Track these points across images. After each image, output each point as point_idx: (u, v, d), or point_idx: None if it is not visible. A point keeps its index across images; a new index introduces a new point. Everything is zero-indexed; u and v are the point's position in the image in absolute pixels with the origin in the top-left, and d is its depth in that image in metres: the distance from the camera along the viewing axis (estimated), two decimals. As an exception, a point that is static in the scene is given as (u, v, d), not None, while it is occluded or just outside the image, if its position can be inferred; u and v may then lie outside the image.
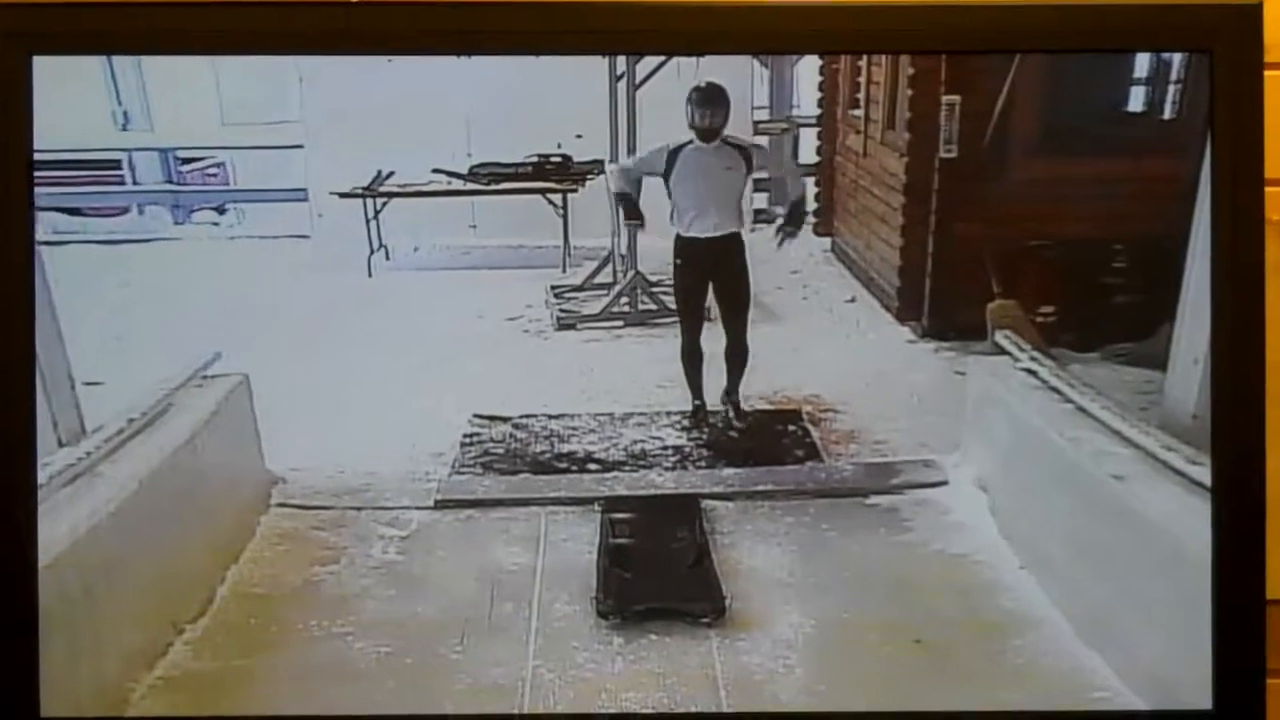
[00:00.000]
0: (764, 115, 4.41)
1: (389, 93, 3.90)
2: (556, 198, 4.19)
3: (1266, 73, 2.12)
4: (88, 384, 2.89)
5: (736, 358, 3.85)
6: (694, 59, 3.30)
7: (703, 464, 3.50)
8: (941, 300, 3.79)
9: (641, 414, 3.66)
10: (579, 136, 4.15)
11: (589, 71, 3.75)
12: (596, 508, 3.28)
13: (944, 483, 3.40)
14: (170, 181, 4.29)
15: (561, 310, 4.09)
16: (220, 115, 4.14)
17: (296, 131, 4.23)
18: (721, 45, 2.29)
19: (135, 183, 4.24)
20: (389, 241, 4.31)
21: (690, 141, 3.72)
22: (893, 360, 3.82)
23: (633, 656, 2.78)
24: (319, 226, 4.28)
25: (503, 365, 3.87)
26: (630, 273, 4.00)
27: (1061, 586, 2.89)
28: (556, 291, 4.19)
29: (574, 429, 3.64)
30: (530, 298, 4.17)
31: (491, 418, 3.70)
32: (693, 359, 3.85)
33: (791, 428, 3.68)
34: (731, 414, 3.74)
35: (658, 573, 3.02)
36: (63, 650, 2.31)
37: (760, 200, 4.39)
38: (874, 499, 3.38)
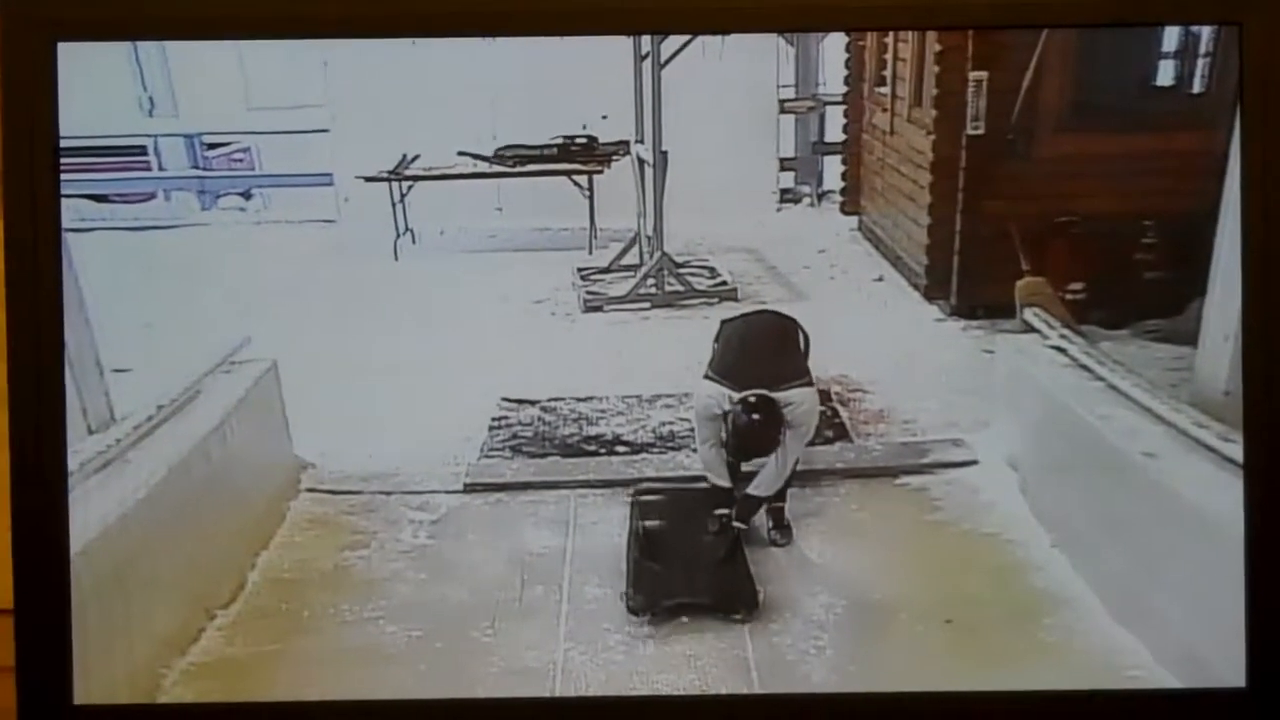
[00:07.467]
0: (790, 94, 4.39)
1: (414, 76, 3.89)
2: (582, 179, 4.18)
3: (1298, 45, 2.10)
4: (116, 371, 2.90)
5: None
6: (719, 38, 3.28)
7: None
8: (970, 278, 3.76)
9: (669, 395, 3.65)
10: (604, 117, 4.12)
11: (614, 52, 3.73)
12: (626, 498, 3.28)
13: (974, 462, 3.39)
14: (196, 167, 4.28)
15: (588, 292, 4.07)
16: (245, 100, 4.13)
17: (321, 116, 4.22)
18: (747, 24, 2.28)
19: (161, 168, 4.24)
20: (415, 225, 4.30)
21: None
22: (921, 339, 3.80)
23: (664, 639, 2.79)
24: (345, 211, 4.28)
25: (530, 348, 3.86)
26: (657, 254, 3.98)
27: (1093, 565, 2.88)
28: (583, 273, 4.18)
29: (602, 411, 3.63)
30: (557, 280, 4.15)
31: (519, 401, 3.70)
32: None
33: (820, 408, 3.65)
34: (770, 526, 3.25)
35: (689, 566, 3.02)
36: (95, 637, 2.33)
37: (786, 180, 4.37)
38: (904, 479, 3.37)
